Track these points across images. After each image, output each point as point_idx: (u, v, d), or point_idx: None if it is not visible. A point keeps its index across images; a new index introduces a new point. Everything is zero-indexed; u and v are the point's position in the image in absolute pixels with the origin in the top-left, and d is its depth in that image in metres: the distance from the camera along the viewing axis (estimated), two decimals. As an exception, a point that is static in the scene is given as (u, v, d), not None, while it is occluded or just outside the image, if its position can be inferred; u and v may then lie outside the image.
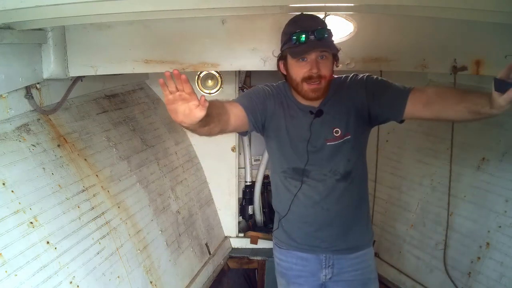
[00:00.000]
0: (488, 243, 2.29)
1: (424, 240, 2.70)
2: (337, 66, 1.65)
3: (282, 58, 1.62)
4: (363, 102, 1.62)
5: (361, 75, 1.69)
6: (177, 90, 1.21)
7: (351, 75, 1.70)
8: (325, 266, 1.79)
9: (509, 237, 2.20)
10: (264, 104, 1.67)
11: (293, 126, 1.67)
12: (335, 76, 1.70)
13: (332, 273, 1.79)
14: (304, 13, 1.61)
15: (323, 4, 1.66)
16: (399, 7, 1.64)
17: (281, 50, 1.61)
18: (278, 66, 1.66)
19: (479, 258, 2.32)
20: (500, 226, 2.26)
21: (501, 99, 1.20)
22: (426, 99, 1.49)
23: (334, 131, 1.64)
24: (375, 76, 1.66)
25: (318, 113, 1.64)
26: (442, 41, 1.89)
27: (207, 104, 1.22)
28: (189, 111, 1.22)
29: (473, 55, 1.86)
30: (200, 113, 1.21)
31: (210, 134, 1.48)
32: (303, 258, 1.81)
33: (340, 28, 1.92)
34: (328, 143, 1.64)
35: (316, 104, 1.65)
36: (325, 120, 1.64)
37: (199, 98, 1.22)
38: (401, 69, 2.02)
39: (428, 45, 1.91)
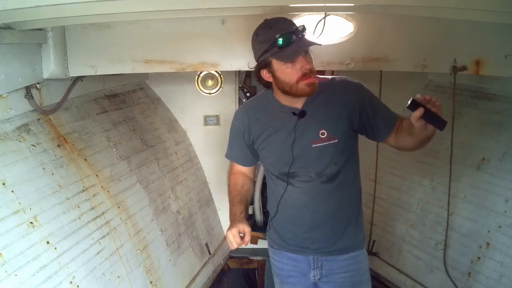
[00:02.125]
0: (488, 243, 2.29)
1: (424, 240, 2.70)
2: None
3: (264, 66, 1.57)
4: (355, 109, 1.62)
5: (354, 81, 1.68)
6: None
7: (339, 78, 1.69)
8: (314, 267, 1.80)
9: (509, 237, 2.20)
10: (244, 135, 1.75)
11: (277, 130, 1.67)
12: (319, 76, 1.67)
13: (321, 274, 1.80)
14: (269, 18, 1.56)
15: (323, 4, 1.66)
16: (399, 7, 1.64)
17: (258, 58, 1.56)
18: (259, 76, 1.62)
19: (479, 258, 2.32)
20: (500, 226, 2.26)
21: (412, 118, 1.38)
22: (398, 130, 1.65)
23: (320, 132, 1.62)
24: (366, 88, 1.68)
25: (302, 114, 1.62)
26: (442, 41, 1.89)
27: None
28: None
29: (473, 55, 1.86)
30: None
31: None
32: (293, 258, 1.83)
33: (340, 28, 1.92)
34: (313, 145, 1.63)
35: (298, 105, 1.63)
36: (311, 121, 1.63)
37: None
38: (401, 69, 2.02)
39: (428, 45, 1.91)
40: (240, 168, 1.86)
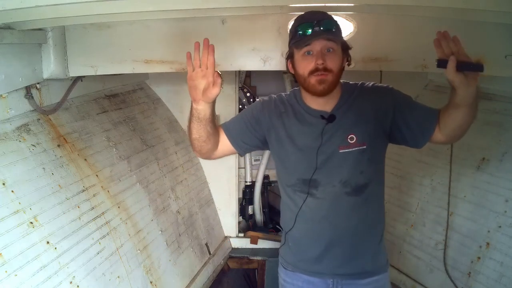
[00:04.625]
0: (488, 243, 2.29)
1: (424, 240, 2.70)
2: (348, 65, 1.58)
3: (289, 56, 1.55)
4: (388, 114, 1.54)
5: (384, 85, 1.62)
6: (200, 66, 1.39)
7: (368, 83, 1.63)
8: None
9: (509, 237, 2.20)
10: (258, 122, 1.64)
11: (302, 133, 1.58)
12: (350, 82, 1.64)
13: None
14: (312, 10, 1.53)
15: (323, 4, 1.66)
16: (399, 7, 1.64)
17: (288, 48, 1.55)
18: (287, 67, 1.59)
19: (479, 258, 2.32)
20: (500, 226, 2.26)
21: (448, 75, 1.28)
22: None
23: (349, 137, 1.53)
24: (397, 90, 1.61)
25: (331, 118, 1.54)
26: (442, 41, 1.89)
27: (219, 80, 1.41)
28: (207, 87, 1.40)
29: (473, 55, 1.85)
30: (215, 89, 1.40)
31: (202, 145, 1.58)
32: (309, 281, 1.69)
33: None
34: (340, 150, 1.53)
35: (328, 108, 1.56)
36: (340, 125, 1.54)
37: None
38: (401, 69, 2.02)
39: (428, 45, 1.89)
40: (221, 132, 1.65)
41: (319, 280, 1.68)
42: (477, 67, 1.29)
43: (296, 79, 1.58)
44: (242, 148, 1.69)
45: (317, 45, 1.45)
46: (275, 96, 1.70)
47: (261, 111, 1.65)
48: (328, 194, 1.58)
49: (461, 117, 1.42)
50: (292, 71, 1.57)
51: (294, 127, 1.60)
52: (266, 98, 1.71)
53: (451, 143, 1.61)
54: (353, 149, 1.53)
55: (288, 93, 1.69)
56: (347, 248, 1.62)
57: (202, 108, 1.46)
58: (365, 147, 1.53)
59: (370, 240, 1.65)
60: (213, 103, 1.49)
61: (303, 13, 1.53)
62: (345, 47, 1.54)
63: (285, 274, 1.78)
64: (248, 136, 1.66)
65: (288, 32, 1.57)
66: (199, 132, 1.53)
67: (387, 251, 1.74)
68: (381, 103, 1.56)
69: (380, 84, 1.63)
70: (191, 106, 1.49)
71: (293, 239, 1.70)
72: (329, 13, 1.62)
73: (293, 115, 1.61)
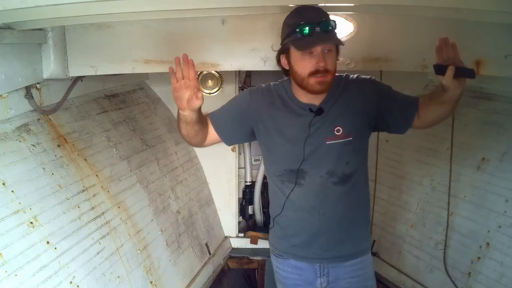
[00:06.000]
0: (488, 243, 2.29)
1: (424, 240, 2.70)
2: (337, 60, 1.60)
3: (284, 51, 1.55)
4: (372, 105, 1.60)
5: (367, 77, 1.66)
6: (183, 78, 1.45)
7: (353, 75, 1.67)
8: (320, 274, 1.76)
9: (509, 237, 2.20)
10: (245, 114, 1.68)
11: (290, 124, 1.62)
12: (336, 74, 1.64)
13: (328, 281, 1.76)
14: (307, 4, 1.52)
15: (323, 4, 1.66)
16: (399, 7, 1.64)
17: (281, 43, 1.55)
18: (278, 60, 1.60)
19: (479, 258, 2.32)
20: (500, 226, 2.26)
21: (444, 81, 1.40)
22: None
23: (335, 129, 1.58)
24: (379, 81, 1.68)
25: (319, 111, 1.58)
26: (442, 41, 1.89)
27: (200, 94, 1.48)
28: (191, 97, 1.47)
29: (473, 55, 1.85)
30: (198, 102, 1.48)
31: (191, 139, 1.69)
32: (297, 267, 1.79)
33: (340, 28, 1.92)
34: (327, 142, 1.59)
35: (317, 102, 1.60)
36: (327, 118, 1.59)
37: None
38: (401, 69, 2.02)
39: (428, 45, 1.90)
40: (208, 123, 1.71)
41: (307, 265, 1.77)
42: (470, 74, 1.41)
43: (286, 73, 1.63)
44: (228, 140, 1.78)
45: (318, 48, 1.47)
46: (263, 86, 1.73)
47: (248, 103, 1.69)
48: (315, 184, 1.64)
49: (444, 111, 1.56)
50: (286, 66, 1.59)
51: (282, 119, 1.64)
52: (254, 88, 1.74)
53: (427, 128, 1.72)
54: (340, 140, 1.59)
55: (277, 83, 1.71)
56: (335, 235, 1.70)
57: (188, 114, 1.55)
58: (351, 138, 1.60)
59: (356, 225, 1.72)
60: (199, 109, 1.56)
61: (299, 5, 1.52)
62: (342, 44, 1.55)
63: (276, 261, 1.88)
64: (235, 128, 1.73)
65: (282, 25, 1.55)
66: (187, 131, 1.63)
67: (371, 236, 1.84)
68: (366, 95, 1.62)
69: (363, 76, 1.68)
70: (178, 111, 1.57)
71: (282, 226, 1.77)
72: (328, 12, 1.61)
73: (282, 106, 1.65)
